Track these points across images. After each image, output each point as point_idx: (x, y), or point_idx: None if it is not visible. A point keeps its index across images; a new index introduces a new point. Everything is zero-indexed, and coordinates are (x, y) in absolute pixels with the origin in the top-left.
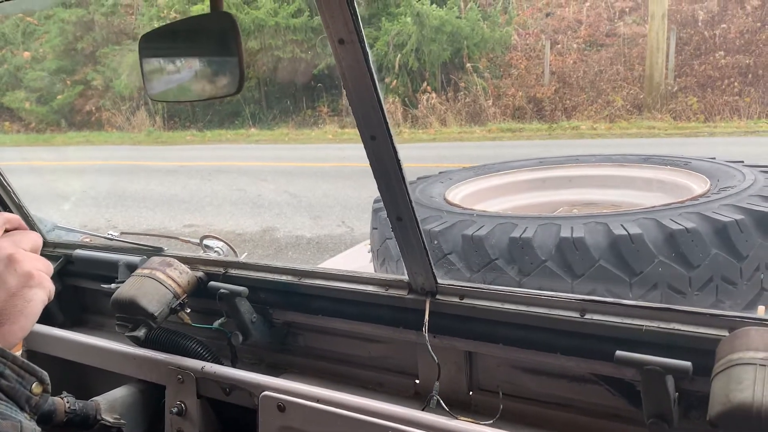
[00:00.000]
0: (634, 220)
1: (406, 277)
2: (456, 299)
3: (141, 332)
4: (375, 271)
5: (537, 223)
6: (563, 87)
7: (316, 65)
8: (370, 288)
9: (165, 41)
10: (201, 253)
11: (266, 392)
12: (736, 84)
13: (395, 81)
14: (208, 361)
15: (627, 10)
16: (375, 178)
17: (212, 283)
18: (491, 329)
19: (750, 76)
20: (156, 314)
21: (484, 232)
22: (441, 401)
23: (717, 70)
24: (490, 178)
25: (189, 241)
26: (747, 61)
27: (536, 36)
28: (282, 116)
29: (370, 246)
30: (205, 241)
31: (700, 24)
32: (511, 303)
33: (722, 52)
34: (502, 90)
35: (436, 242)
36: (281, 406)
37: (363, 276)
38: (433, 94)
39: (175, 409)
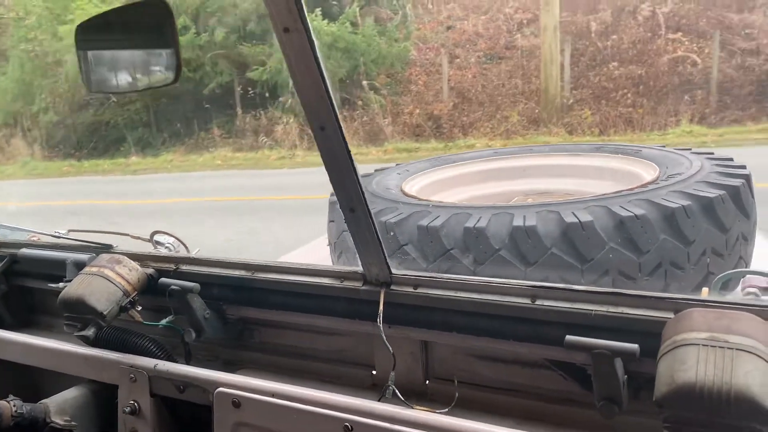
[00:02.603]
0: (585, 208)
1: (360, 269)
2: (410, 289)
3: (90, 332)
4: (333, 264)
5: (491, 213)
6: (462, 102)
7: (207, 84)
8: (324, 280)
9: (100, 31)
10: (152, 250)
11: (221, 388)
12: (629, 95)
13: (291, 100)
14: (161, 359)
15: (525, 21)
16: (326, 169)
17: (163, 279)
18: (446, 318)
19: (642, 87)
20: (105, 313)
21: (439, 223)
22: (397, 391)
23: (611, 81)
24: (446, 169)
25: (139, 238)
26: (639, 72)
27: (437, 50)
28: (174, 140)
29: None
30: (156, 237)
31: (593, 35)
32: (465, 291)
33: (615, 63)
34: (400, 107)
35: (392, 233)
36: (236, 402)
37: (317, 268)
38: None
39: (128, 408)
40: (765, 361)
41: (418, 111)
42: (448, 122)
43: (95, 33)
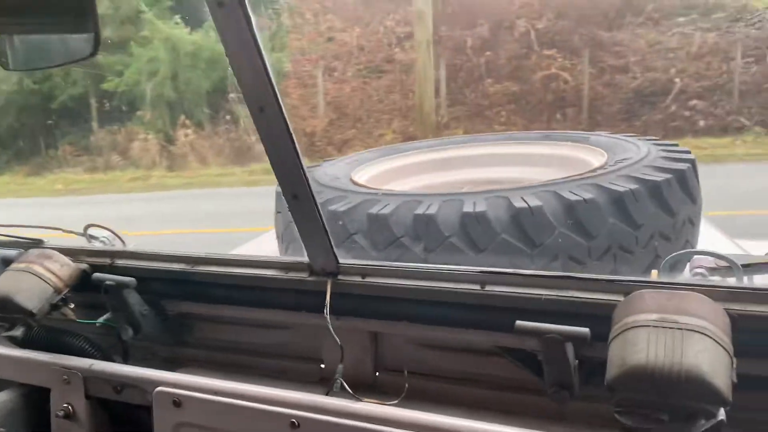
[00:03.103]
0: (534, 193)
1: (306, 259)
2: (358, 278)
3: (19, 332)
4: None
5: (441, 200)
6: (339, 118)
7: (57, 97)
8: (268, 272)
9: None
10: (85, 244)
11: (160, 388)
12: (503, 113)
13: (149, 113)
14: (96, 358)
15: (404, 35)
16: (267, 153)
17: (97, 274)
18: (395, 307)
19: (515, 104)
20: (35, 311)
21: (389, 210)
22: (345, 384)
23: (486, 98)
24: (396, 159)
25: (72, 232)
26: (514, 89)
27: (315, 62)
28: (19, 159)
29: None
30: (90, 231)
31: (470, 51)
32: (414, 279)
33: (491, 80)
34: None
35: (341, 222)
36: (177, 402)
37: (261, 260)
38: (190, 130)
39: (62, 412)
40: (714, 340)
41: (291, 127)
42: (323, 139)
43: (7, 6)
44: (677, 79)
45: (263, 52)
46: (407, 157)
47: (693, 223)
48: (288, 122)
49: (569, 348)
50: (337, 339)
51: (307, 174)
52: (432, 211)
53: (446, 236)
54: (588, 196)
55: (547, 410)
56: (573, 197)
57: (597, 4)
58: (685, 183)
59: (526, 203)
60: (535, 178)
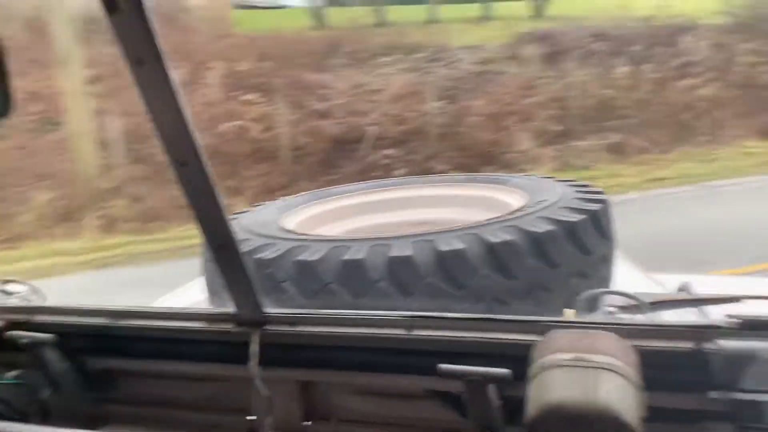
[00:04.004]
0: (458, 236)
1: (232, 310)
2: (286, 327)
3: None
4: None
5: (369, 245)
6: None
7: None
8: (193, 324)
9: None
10: (1, 301)
11: None
12: None
13: None
14: (11, 420)
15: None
16: (190, 205)
17: (12, 332)
18: (324, 355)
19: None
20: None
21: (317, 257)
22: None
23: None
24: (327, 203)
25: None
26: (206, 141)
27: None
28: None
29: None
30: (5, 287)
31: None
32: (342, 326)
33: None
34: None
35: (269, 270)
36: None
37: (185, 312)
38: None
39: None
40: (623, 377)
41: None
42: None
43: None
44: (375, 126)
45: (185, 106)
46: (338, 200)
47: (608, 260)
48: (211, 174)
49: (492, 389)
50: (265, 390)
51: (231, 224)
52: (360, 256)
53: (374, 281)
54: (509, 237)
55: None
56: (495, 239)
57: (305, 44)
58: (599, 222)
59: (451, 246)
60: (460, 219)
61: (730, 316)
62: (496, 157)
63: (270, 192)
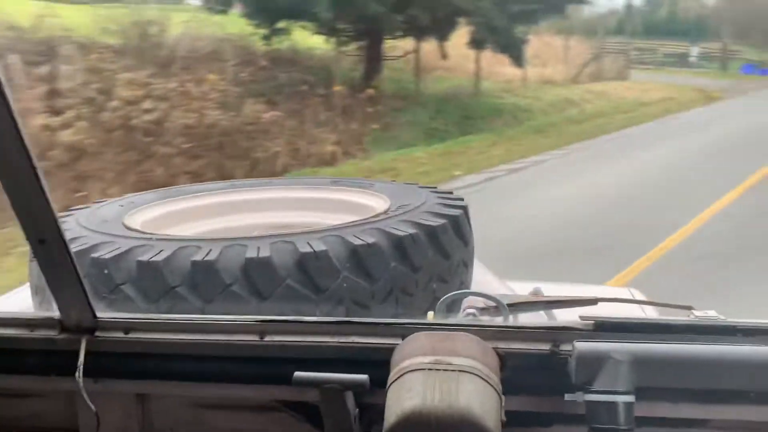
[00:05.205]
0: (320, 238)
1: (57, 314)
2: (120, 334)
3: None
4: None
5: (222, 245)
6: None
7: None
8: (10, 331)
9: None
10: None
11: None
12: None
13: None
14: None
15: None
16: (5, 190)
17: None
18: (165, 365)
19: None
20: None
21: (163, 257)
22: None
23: None
24: (179, 201)
25: None
26: None
27: None
28: None
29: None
30: None
31: None
32: (186, 333)
33: None
34: None
35: (106, 272)
36: None
37: (2, 317)
38: None
39: None
40: (484, 380)
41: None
42: None
43: None
44: None
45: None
46: (192, 199)
47: (466, 265)
48: (32, 156)
49: (349, 397)
50: (90, 405)
51: (57, 215)
52: (212, 257)
53: (227, 284)
54: (371, 240)
55: None
56: (357, 242)
57: None
58: (459, 228)
59: (312, 248)
60: (324, 222)
61: (584, 318)
62: None
63: None
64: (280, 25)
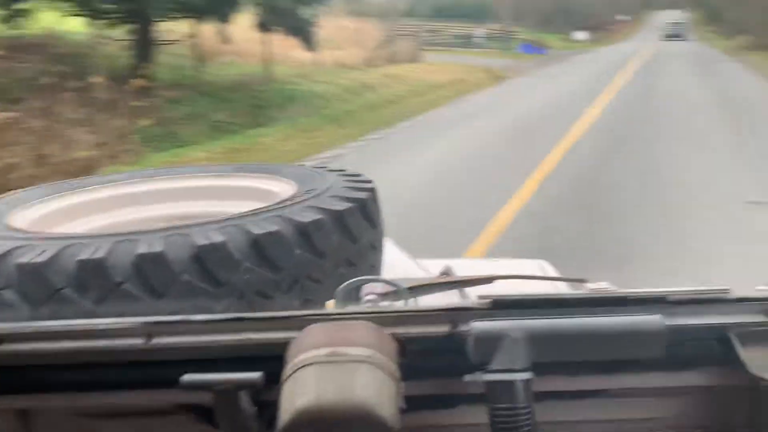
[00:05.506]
0: (218, 229)
1: None
2: None
3: None
4: None
5: (111, 242)
6: None
7: None
8: None
9: None
10: None
11: None
12: None
13: None
14: None
15: None
16: None
17: None
18: (46, 376)
19: None
20: None
21: (46, 258)
22: None
23: None
24: (71, 196)
25: None
26: None
27: None
28: None
29: None
30: None
31: None
32: (67, 340)
33: None
34: None
35: None
36: None
37: None
38: None
39: None
40: (380, 369)
41: None
42: None
43: None
44: None
45: None
46: (85, 193)
47: (375, 247)
48: None
49: (243, 396)
50: None
51: None
52: (100, 255)
53: (118, 283)
54: (274, 228)
55: None
56: (258, 230)
57: None
58: (366, 210)
59: (209, 240)
60: (228, 211)
61: (481, 297)
62: None
63: None
64: (22, 5)
